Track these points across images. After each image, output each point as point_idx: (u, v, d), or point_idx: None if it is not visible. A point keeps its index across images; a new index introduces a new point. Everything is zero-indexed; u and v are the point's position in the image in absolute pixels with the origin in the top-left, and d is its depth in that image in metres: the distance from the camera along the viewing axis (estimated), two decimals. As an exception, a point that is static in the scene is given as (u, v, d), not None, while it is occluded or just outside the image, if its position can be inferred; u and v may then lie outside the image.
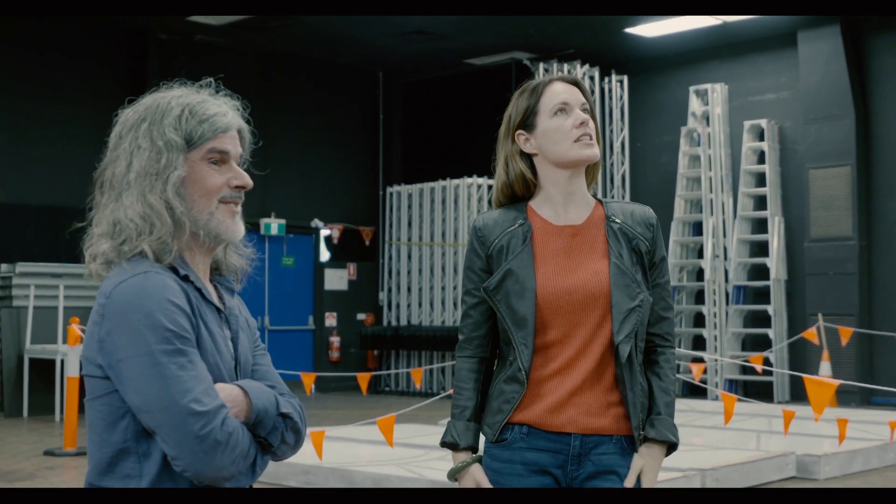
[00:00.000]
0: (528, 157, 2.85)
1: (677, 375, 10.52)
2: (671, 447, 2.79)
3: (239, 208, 2.22)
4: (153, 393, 1.98)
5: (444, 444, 2.84)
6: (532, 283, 2.73)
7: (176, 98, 2.18)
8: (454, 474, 2.82)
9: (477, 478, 2.78)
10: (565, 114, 2.80)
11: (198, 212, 2.15)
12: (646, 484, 2.73)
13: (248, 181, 2.20)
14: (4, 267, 12.92)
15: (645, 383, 2.78)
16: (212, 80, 2.27)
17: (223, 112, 2.19)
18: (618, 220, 2.81)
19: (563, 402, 2.72)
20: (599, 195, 12.28)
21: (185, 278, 2.13)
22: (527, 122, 2.83)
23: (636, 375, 2.73)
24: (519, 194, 2.87)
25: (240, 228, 2.21)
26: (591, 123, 2.82)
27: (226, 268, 2.30)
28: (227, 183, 2.18)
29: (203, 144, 2.16)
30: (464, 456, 2.81)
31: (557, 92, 2.82)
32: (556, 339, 2.73)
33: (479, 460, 2.82)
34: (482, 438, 2.85)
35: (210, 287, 2.23)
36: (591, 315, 2.72)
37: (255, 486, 2.19)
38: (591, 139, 2.79)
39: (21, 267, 12.76)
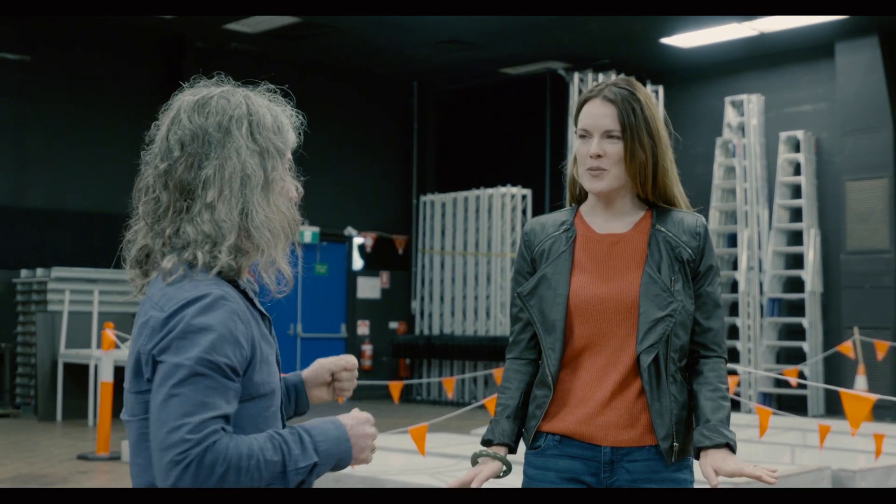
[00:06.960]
0: None
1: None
2: (729, 447, 2.65)
3: None
4: (156, 404, 1.93)
5: (482, 442, 2.81)
6: (565, 290, 2.74)
7: (265, 106, 2.18)
8: (476, 458, 2.77)
9: (483, 473, 2.72)
10: (585, 140, 2.78)
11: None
12: (727, 473, 2.59)
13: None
14: (40, 272, 13.01)
15: (680, 394, 2.72)
16: (273, 87, 2.29)
17: (293, 124, 2.23)
18: (663, 229, 2.77)
19: (594, 413, 2.70)
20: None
21: (244, 293, 2.11)
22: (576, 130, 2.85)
23: (664, 385, 2.69)
24: (578, 193, 2.91)
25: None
26: (613, 153, 2.73)
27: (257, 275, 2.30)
28: (297, 192, 2.22)
29: (287, 154, 2.18)
30: (497, 449, 2.77)
31: (586, 114, 2.79)
32: (586, 346, 2.72)
33: (505, 462, 2.76)
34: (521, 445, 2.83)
35: None
36: (621, 325, 2.71)
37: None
38: (599, 172, 2.74)
39: (56, 272, 12.85)
